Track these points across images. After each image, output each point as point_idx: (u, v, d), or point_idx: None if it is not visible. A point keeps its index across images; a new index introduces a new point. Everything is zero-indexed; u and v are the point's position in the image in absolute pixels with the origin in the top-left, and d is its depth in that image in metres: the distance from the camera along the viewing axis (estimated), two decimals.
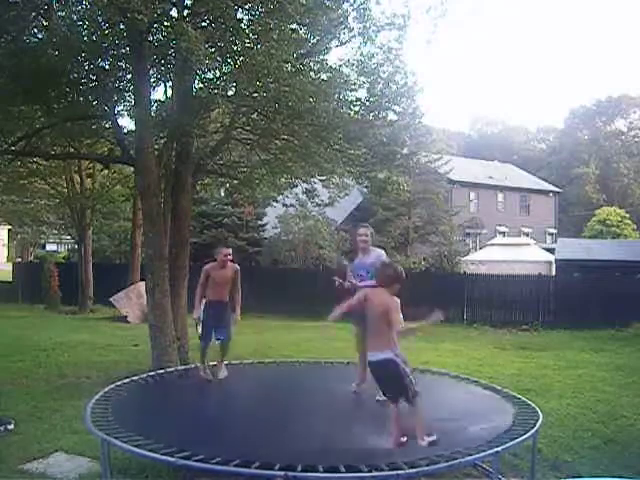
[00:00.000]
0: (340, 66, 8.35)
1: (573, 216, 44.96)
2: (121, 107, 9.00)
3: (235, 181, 11.73)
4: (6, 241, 40.28)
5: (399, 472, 3.44)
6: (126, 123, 17.92)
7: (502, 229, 35.33)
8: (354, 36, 8.29)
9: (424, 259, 21.66)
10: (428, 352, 10.02)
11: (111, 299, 15.82)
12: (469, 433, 4.22)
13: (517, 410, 4.76)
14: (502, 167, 42.80)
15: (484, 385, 5.85)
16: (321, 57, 8.51)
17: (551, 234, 37.74)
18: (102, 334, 12.63)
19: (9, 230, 35.65)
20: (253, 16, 7.26)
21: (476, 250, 27.35)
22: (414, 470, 3.50)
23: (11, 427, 5.58)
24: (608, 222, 33.32)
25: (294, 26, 7.40)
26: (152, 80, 8.09)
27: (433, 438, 3.80)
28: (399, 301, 3.93)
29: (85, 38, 7.29)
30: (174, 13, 7.15)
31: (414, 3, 12.45)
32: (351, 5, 7.95)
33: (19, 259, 35.27)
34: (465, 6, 28.58)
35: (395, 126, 10.06)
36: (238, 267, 6.25)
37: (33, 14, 7.51)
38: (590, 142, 55.20)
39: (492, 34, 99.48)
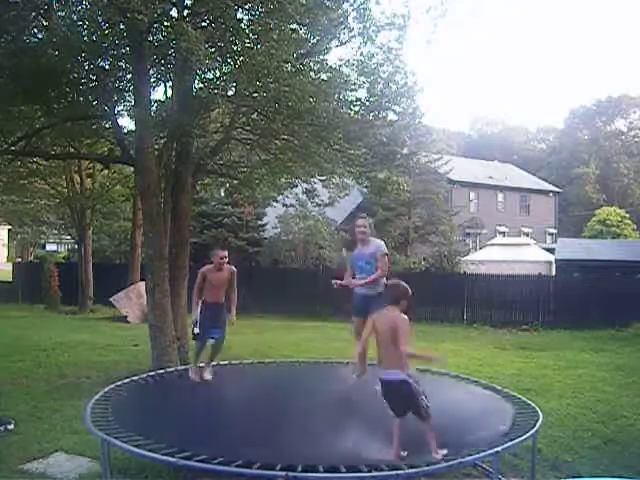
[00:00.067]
0: (340, 66, 8.35)
1: (573, 216, 44.95)
2: (121, 107, 9.02)
3: (235, 181, 11.73)
4: (6, 241, 40.32)
5: (399, 472, 3.44)
6: (126, 123, 17.94)
7: (502, 229, 35.33)
8: (354, 36, 8.29)
9: (424, 259, 21.66)
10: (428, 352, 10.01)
11: (111, 299, 15.81)
12: (469, 433, 4.22)
13: (517, 410, 4.76)
14: (502, 167, 42.80)
15: (484, 385, 5.85)
16: (321, 57, 8.51)
17: (551, 234, 37.74)
18: (102, 334, 12.63)
19: (9, 230, 35.69)
20: (253, 16, 7.26)
21: (476, 250, 27.35)
22: (414, 470, 3.51)
23: (11, 427, 5.58)
24: (608, 222, 33.27)
25: (294, 26, 7.39)
26: (152, 80, 8.09)
27: (445, 452, 3.75)
28: (408, 320, 3.91)
29: (85, 38, 7.29)
30: (174, 13, 7.15)
31: (414, 3, 12.50)
32: (351, 5, 7.95)
33: (19, 259, 35.27)
34: (465, 6, 28.55)
35: (395, 126, 10.08)
36: (234, 269, 6.24)
37: (33, 14, 7.51)
38: (590, 142, 55.18)
39: (492, 34, 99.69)
